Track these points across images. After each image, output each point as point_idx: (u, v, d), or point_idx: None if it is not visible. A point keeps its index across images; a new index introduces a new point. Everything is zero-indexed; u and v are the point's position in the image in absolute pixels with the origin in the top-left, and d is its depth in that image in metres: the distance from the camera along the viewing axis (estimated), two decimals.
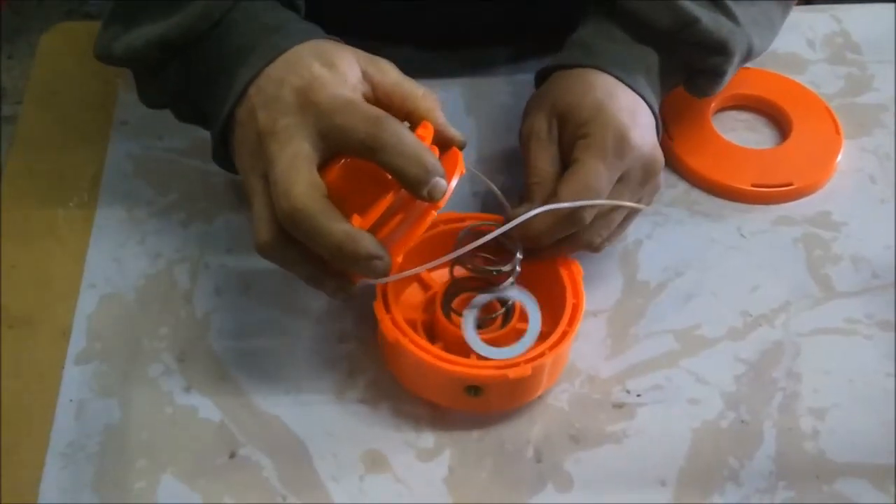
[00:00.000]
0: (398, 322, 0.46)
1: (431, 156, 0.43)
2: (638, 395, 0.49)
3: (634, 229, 0.55)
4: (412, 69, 0.63)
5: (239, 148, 0.46)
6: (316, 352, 0.50)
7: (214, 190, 0.57)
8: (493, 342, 0.47)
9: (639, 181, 0.49)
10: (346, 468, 0.46)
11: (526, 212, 0.47)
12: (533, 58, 0.64)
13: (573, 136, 0.49)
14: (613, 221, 0.49)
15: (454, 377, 0.45)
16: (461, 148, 0.47)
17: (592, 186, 0.47)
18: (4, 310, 0.51)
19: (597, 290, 0.52)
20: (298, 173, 0.42)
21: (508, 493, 0.46)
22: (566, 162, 0.49)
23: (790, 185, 0.57)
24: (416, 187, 0.43)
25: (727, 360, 0.50)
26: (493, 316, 0.49)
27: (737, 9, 0.53)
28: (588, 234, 0.49)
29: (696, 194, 0.58)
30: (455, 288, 0.50)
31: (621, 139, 0.48)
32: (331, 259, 0.43)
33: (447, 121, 0.47)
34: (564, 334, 0.46)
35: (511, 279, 0.48)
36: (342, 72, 0.45)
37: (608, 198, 0.48)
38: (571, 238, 0.49)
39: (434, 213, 0.44)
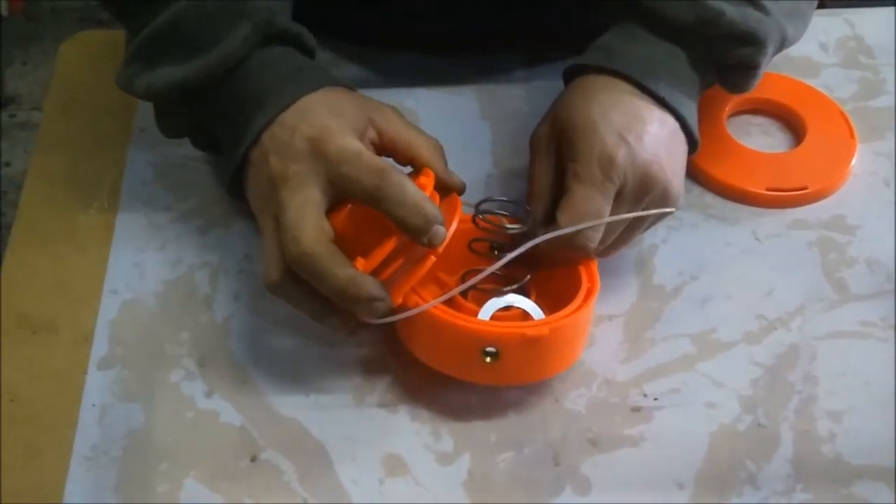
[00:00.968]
0: (417, 290, 0.48)
1: (432, 206, 0.46)
2: (655, 399, 0.49)
3: (649, 234, 0.56)
4: (426, 75, 0.64)
5: (252, 188, 0.49)
6: (334, 356, 0.51)
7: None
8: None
9: (635, 196, 0.49)
10: (366, 471, 0.47)
11: (524, 229, 0.49)
12: (546, 63, 0.65)
13: (566, 153, 0.49)
14: (612, 232, 0.50)
15: (470, 336, 0.46)
16: (460, 193, 0.51)
17: (589, 213, 0.47)
18: (27, 315, 0.52)
19: (612, 294, 0.53)
20: (307, 219, 0.45)
21: (527, 496, 0.46)
22: (564, 172, 0.50)
23: (805, 188, 0.57)
24: (416, 235, 0.45)
25: (743, 364, 0.51)
26: (514, 287, 0.49)
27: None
28: (594, 252, 0.49)
29: (711, 198, 0.58)
30: (471, 274, 0.50)
31: (607, 163, 0.48)
32: (335, 300, 0.45)
33: (448, 167, 0.51)
34: (586, 298, 0.47)
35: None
36: (350, 120, 0.48)
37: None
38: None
39: (433, 259, 0.46)
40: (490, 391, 0.49)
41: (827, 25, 0.67)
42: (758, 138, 0.61)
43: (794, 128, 0.61)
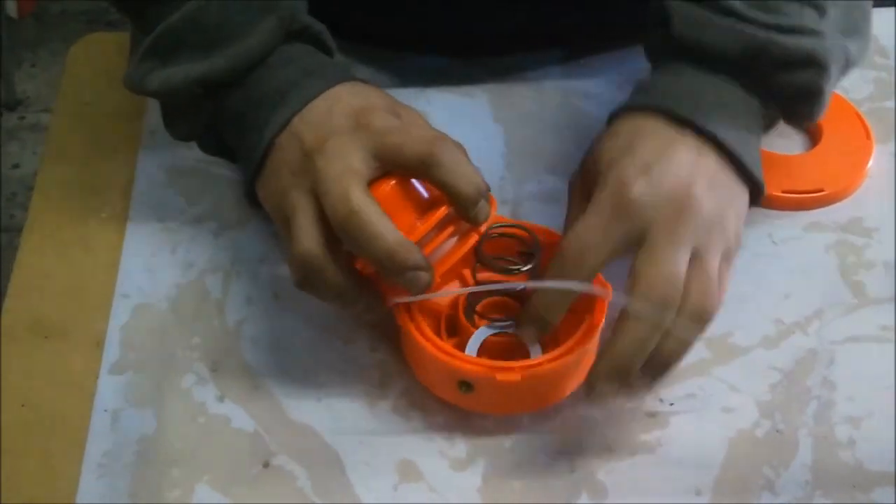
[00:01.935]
0: (411, 309, 0.47)
1: (482, 178, 0.44)
2: (671, 404, 0.49)
3: None
4: (438, 77, 0.63)
5: (275, 172, 0.47)
6: (347, 361, 0.50)
7: (244, 200, 0.57)
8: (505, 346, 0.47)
9: (663, 237, 0.43)
10: (379, 477, 0.46)
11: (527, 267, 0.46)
12: (559, 65, 0.64)
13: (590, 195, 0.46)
14: (705, 292, 0.44)
15: (446, 368, 0.45)
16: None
17: (584, 246, 0.44)
18: (39, 320, 0.52)
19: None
20: (353, 182, 0.43)
21: (543, 502, 0.46)
22: None
23: (821, 190, 0.57)
24: (467, 205, 0.44)
25: (761, 369, 0.50)
26: (515, 318, 0.49)
27: (818, 21, 0.48)
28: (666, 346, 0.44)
29: None
30: (479, 292, 0.50)
31: (620, 195, 0.44)
32: (377, 266, 0.43)
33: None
34: (568, 350, 0.46)
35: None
36: (386, 107, 0.47)
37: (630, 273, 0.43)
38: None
39: (475, 238, 0.45)
40: None
41: None
42: (773, 140, 0.60)
43: (811, 129, 0.61)
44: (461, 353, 0.46)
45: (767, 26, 0.48)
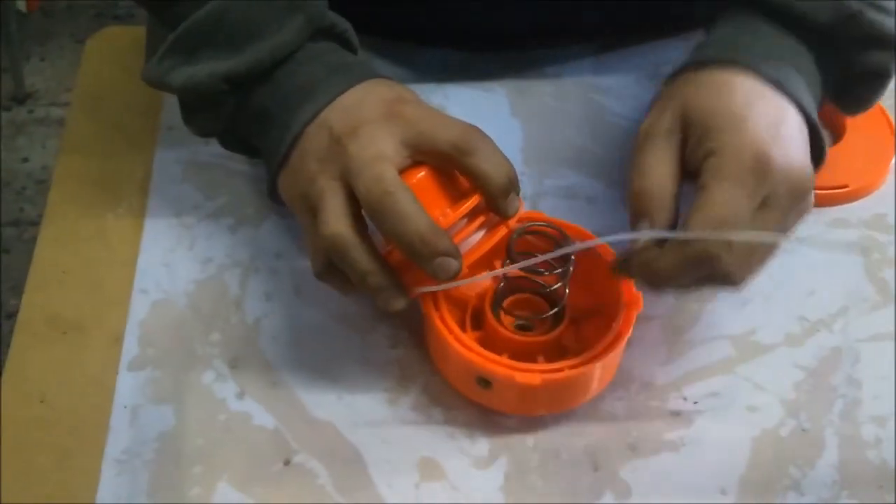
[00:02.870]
0: (437, 298, 0.47)
1: (514, 170, 0.44)
2: (695, 403, 0.48)
3: None
4: (455, 71, 0.63)
5: (301, 161, 0.46)
6: (367, 357, 0.50)
7: (262, 195, 0.56)
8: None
9: (786, 207, 0.42)
10: (401, 475, 0.46)
11: (646, 232, 0.42)
12: (577, 60, 0.64)
13: (700, 147, 0.43)
14: (759, 254, 0.43)
15: (465, 363, 0.45)
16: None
17: (728, 220, 0.40)
18: (57, 316, 0.51)
19: (650, 295, 0.51)
20: (386, 165, 0.43)
21: (566, 501, 0.45)
22: (688, 171, 0.44)
23: (845, 186, 0.56)
24: (498, 195, 0.44)
25: (785, 367, 0.49)
26: (542, 317, 0.48)
27: (893, 5, 0.47)
28: (728, 267, 0.41)
29: None
30: (508, 286, 0.49)
31: (761, 159, 0.41)
32: (407, 250, 0.43)
33: None
34: (591, 358, 0.45)
35: (562, 283, 0.48)
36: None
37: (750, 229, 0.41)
38: (706, 274, 0.42)
39: (504, 230, 0.45)
40: None
41: None
42: None
43: (834, 125, 0.60)
44: (483, 350, 0.46)
45: None
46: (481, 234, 0.45)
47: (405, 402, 0.48)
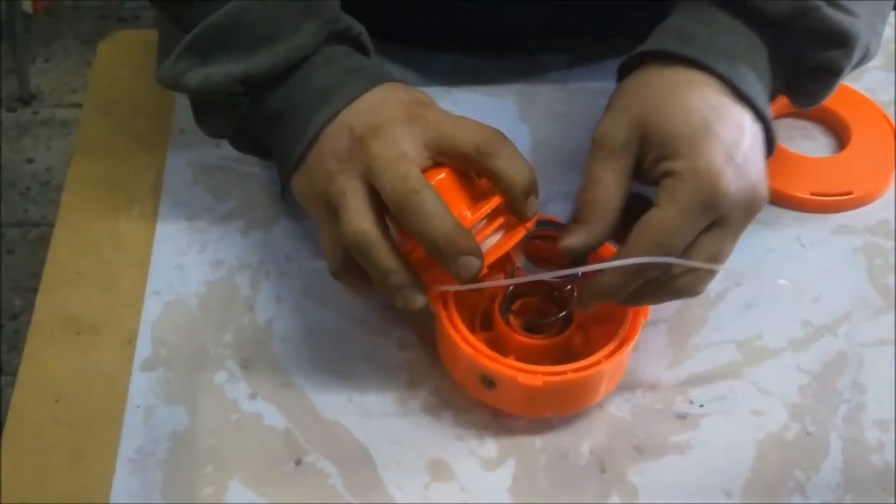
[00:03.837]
0: (447, 298, 0.47)
1: (534, 173, 0.45)
2: (701, 406, 0.49)
3: None
4: (464, 76, 0.63)
5: (319, 161, 0.46)
6: (377, 359, 0.51)
7: (273, 198, 0.57)
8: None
9: (736, 226, 0.45)
10: (410, 476, 0.46)
11: (580, 246, 0.44)
12: (585, 64, 0.64)
13: (658, 167, 0.44)
14: (703, 272, 0.44)
15: (470, 362, 0.46)
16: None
17: (665, 244, 0.43)
18: (71, 317, 0.52)
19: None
20: (410, 163, 0.44)
21: (573, 502, 0.46)
22: (643, 180, 0.46)
23: (850, 193, 0.57)
24: (520, 196, 0.44)
25: (790, 371, 0.50)
26: (550, 320, 0.49)
27: (857, 5, 0.47)
28: (686, 282, 0.44)
29: None
30: (517, 291, 0.50)
31: (716, 190, 0.42)
32: (431, 248, 0.43)
33: None
34: (595, 363, 0.46)
35: (571, 287, 0.48)
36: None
37: (700, 246, 0.43)
38: (657, 288, 0.45)
39: (522, 232, 0.45)
40: None
41: None
42: (801, 142, 0.60)
43: (838, 132, 0.61)
44: (488, 350, 0.46)
45: None
46: (499, 235, 0.46)
47: (415, 403, 0.49)
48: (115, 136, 0.61)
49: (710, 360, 0.51)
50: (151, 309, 0.52)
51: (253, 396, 0.49)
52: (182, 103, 0.62)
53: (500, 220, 0.45)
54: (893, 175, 0.58)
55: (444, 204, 0.43)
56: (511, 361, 0.46)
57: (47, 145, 1.60)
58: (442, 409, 0.49)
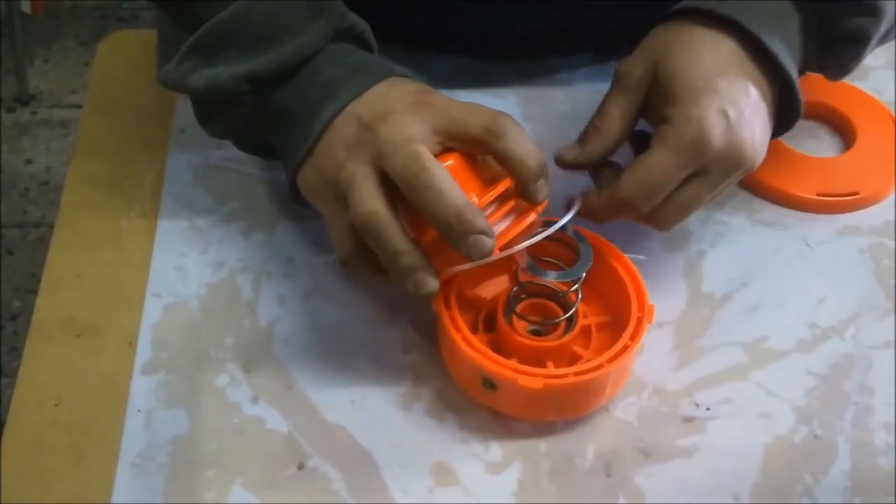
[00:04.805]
0: (449, 299, 0.47)
1: (543, 156, 0.45)
2: (707, 409, 0.48)
3: (697, 239, 0.55)
4: (467, 78, 0.63)
5: (327, 151, 0.46)
6: (380, 362, 0.50)
7: (275, 199, 0.57)
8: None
9: (715, 181, 0.47)
10: (414, 480, 0.46)
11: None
12: (588, 67, 0.64)
13: (658, 110, 0.47)
14: (688, 209, 0.48)
15: (471, 363, 0.45)
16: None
17: (654, 183, 0.46)
18: (71, 319, 0.51)
19: (662, 300, 0.52)
20: (420, 145, 0.44)
21: None
22: (649, 119, 0.48)
23: (856, 194, 0.56)
24: (531, 178, 0.44)
25: (797, 374, 0.50)
26: (555, 322, 0.49)
27: None
28: (659, 218, 0.48)
29: (760, 204, 0.57)
30: (521, 292, 0.49)
31: (701, 139, 0.45)
32: (443, 227, 0.43)
33: None
34: (597, 367, 0.45)
35: (574, 289, 0.48)
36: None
37: (678, 189, 0.47)
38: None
39: (532, 216, 0.45)
40: None
41: None
42: (807, 142, 0.60)
43: (844, 132, 0.60)
44: (489, 352, 0.46)
45: None
46: (509, 220, 0.45)
47: (419, 406, 0.49)
48: (116, 137, 0.60)
49: (716, 362, 0.50)
50: (152, 311, 0.52)
51: (255, 400, 0.49)
52: (183, 103, 0.61)
53: (510, 205, 0.45)
54: None
55: (456, 183, 0.43)
56: (512, 363, 0.45)
57: (46, 146, 1.59)
58: (446, 412, 0.48)
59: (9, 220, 1.47)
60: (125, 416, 0.48)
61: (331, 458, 0.47)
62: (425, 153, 0.43)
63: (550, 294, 0.49)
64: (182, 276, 0.53)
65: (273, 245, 0.55)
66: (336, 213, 0.46)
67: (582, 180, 0.56)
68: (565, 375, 0.45)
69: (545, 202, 0.46)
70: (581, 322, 0.48)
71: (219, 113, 0.50)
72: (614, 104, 0.49)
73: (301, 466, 0.46)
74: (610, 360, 0.46)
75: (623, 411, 0.48)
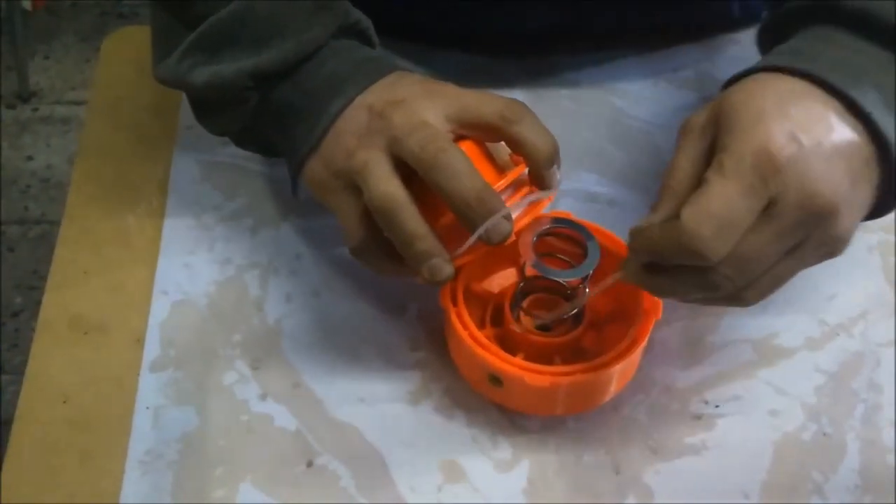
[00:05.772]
0: (456, 293, 0.47)
1: (557, 142, 0.45)
2: (717, 406, 0.48)
3: None
4: (473, 76, 0.63)
5: (337, 141, 0.46)
6: (388, 359, 0.50)
7: (281, 196, 0.57)
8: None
9: (794, 220, 0.38)
10: (423, 478, 0.46)
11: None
12: (595, 65, 0.64)
13: (719, 142, 0.40)
14: (780, 277, 0.40)
15: (477, 360, 0.45)
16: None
17: (717, 214, 0.37)
18: (78, 316, 0.51)
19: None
20: (436, 128, 0.44)
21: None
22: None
23: None
24: (544, 164, 0.44)
25: (806, 371, 0.50)
26: (561, 317, 0.48)
27: None
28: (720, 275, 0.39)
29: None
30: (528, 287, 0.49)
31: (765, 159, 0.37)
32: (462, 209, 0.42)
33: None
34: (605, 364, 0.45)
35: (582, 285, 0.48)
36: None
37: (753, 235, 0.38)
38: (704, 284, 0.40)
39: (546, 203, 0.45)
40: None
41: None
42: None
43: None
44: (496, 348, 0.46)
45: None
46: (523, 207, 0.46)
47: (427, 404, 0.49)
48: (121, 134, 0.60)
49: (725, 360, 0.50)
50: (159, 309, 0.52)
51: (263, 397, 0.48)
52: (187, 100, 0.61)
53: (524, 191, 0.45)
54: None
55: (474, 165, 0.43)
56: (519, 361, 0.45)
57: (47, 143, 1.59)
58: (454, 409, 0.48)
59: (9, 216, 1.47)
60: (133, 413, 0.48)
61: (339, 456, 0.47)
62: (443, 134, 0.43)
63: (558, 289, 0.49)
64: (189, 273, 0.53)
65: (280, 242, 0.55)
66: (347, 201, 0.45)
67: (582, 183, 0.56)
68: (572, 373, 0.45)
69: (556, 190, 0.46)
70: (588, 317, 0.48)
71: (220, 110, 0.50)
72: (680, 157, 0.41)
73: (310, 464, 0.46)
74: (615, 358, 0.46)
75: (632, 409, 0.48)
